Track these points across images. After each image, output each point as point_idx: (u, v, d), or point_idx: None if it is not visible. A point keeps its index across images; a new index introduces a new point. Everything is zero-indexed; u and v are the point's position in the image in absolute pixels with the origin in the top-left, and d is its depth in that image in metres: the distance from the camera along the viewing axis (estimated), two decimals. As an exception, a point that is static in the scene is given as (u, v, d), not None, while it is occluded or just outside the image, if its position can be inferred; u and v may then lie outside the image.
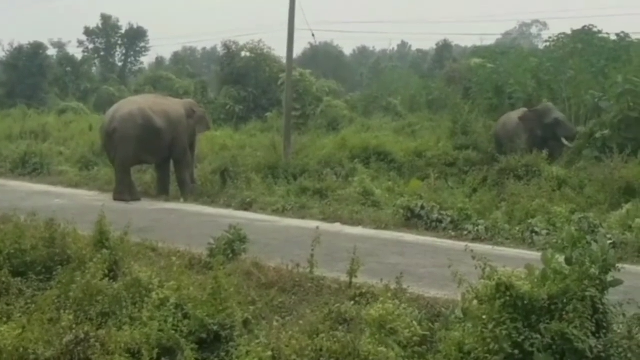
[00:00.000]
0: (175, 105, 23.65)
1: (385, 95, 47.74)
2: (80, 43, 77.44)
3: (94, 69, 74.29)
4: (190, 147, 23.37)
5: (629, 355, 7.32)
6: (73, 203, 20.03)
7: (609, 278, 7.65)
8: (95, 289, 9.49)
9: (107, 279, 9.84)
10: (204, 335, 8.62)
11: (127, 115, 22.06)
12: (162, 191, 23.03)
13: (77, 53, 73.42)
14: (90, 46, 77.79)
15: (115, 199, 21.38)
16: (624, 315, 7.73)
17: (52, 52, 70.43)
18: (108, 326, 8.76)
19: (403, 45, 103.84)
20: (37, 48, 61.74)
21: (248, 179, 23.08)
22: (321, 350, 7.84)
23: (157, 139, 22.23)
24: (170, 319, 8.60)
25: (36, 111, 47.67)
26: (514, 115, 27.68)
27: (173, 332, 8.47)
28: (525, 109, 27.92)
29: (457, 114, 30.40)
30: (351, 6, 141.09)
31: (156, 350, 8.19)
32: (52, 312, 9.16)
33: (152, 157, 22.69)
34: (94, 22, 79.56)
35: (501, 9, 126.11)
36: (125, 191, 21.84)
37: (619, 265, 7.77)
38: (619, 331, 7.62)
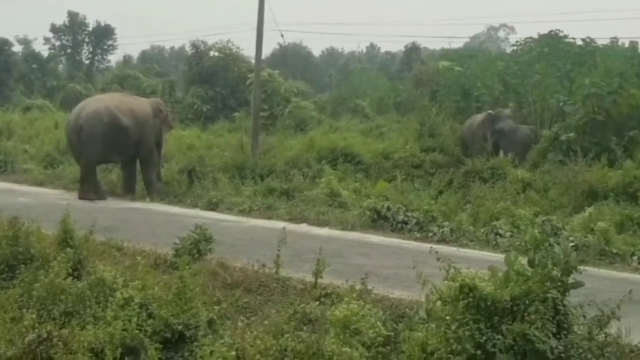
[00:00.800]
0: (143, 105, 23.57)
1: (353, 97, 47.71)
2: (47, 40, 76.91)
3: (60, 67, 73.67)
4: (157, 147, 23.29)
5: (589, 356, 7.42)
6: (38, 202, 19.91)
7: (571, 280, 7.75)
8: (59, 288, 9.46)
9: (71, 278, 9.82)
10: (168, 335, 8.61)
11: (94, 114, 21.97)
12: (128, 190, 22.96)
13: (44, 50, 72.84)
14: (57, 43, 77.20)
15: (80, 198, 21.27)
16: (584, 316, 7.82)
17: (17, 49, 69.70)
18: (71, 326, 8.73)
19: (372, 47, 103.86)
20: (2, 44, 61.08)
21: (215, 179, 23.08)
22: (286, 350, 7.87)
23: (123, 137, 22.16)
24: (135, 319, 8.59)
25: (1, 109, 47.25)
26: (478, 119, 27.94)
27: (137, 331, 8.46)
28: (489, 112, 28.16)
29: (425, 116, 30.46)
30: (321, 7, 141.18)
31: (120, 350, 8.17)
32: (15, 311, 9.15)
33: (118, 156, 22.61)
34: (61, 19, 79.09)
35: (470, 13, 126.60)
36: (91, 190, 21.75)
37: (581, 268, 7.88)
38: (579, 332, 7.73)
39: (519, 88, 33.58)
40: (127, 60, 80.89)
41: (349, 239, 16.58)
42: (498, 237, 16.41)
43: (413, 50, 70.56)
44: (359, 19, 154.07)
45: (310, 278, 11.24)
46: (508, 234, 16.38)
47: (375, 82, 54.70)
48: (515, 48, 41.88)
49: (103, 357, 8.08)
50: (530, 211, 17.88)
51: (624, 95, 25.63)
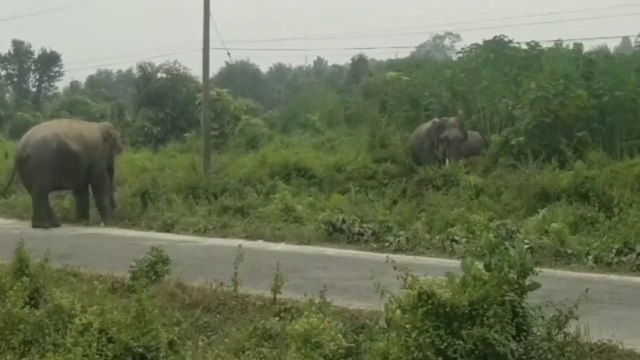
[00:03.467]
0: (91, 129, 23.46)
1: (303, 111, 47.89)
2: (-8, 70, 76.36)
3: (7, 96, 73.26)
4: (109, 171, 23.20)
5: (549, 356, 7.46)
6: (-10, 231, 19.69)
7: (527, 282, 7.80)
8: (16, 317, 9.37)
9: (28, 306, 9.72)
10: (129, 359, 8.55)
11: (41, 141, 21.84)
12: (81, 216, 22.82)
13: (-11, 80, 72.38)
14: (3, 72, 76.88)
15: (34, 226, 21.11)
16: (542, 317, 7.87)
17: (-37, 79, 69.37)
18: (31, 354, 8.66)
19: (319, 61, 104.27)
20: (-53, 76, 60.67)
21: (169, 200, 23.01)
22: (248, 367, 7.85)
23: (73, 163, 22.03)
24: (95, 344, 8.51)
25: (-52, 140, 46.78)
26: (424, 127, 28.16)
27: (98, 356, 8.38)
28: (434, 120, 28.36)
29: (375, 127, 30.61)
30: (266, 24, 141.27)
31: (81, 376, 8.11)
32: (-27, 342, 9.03)
33: (69, 182, 22.50)
34: (6, 48, 78.56)
35: (414, 22, 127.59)
36: (44, 217, 21.60)
37: (537, 269, 7.93)
38: (538, 333, 7.77)
39: (466, 94, 33.93)
40: (74, 85, 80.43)
41: (306, 253, 16.59)
42: (454, 243, 16.49)
43: (360, 62, 70.94)
44: (304, 34, 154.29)
45: (268, 294, 11.20)
46: (463, 240, 16.46)
47: (324, 96, 54.88)
48: (461, 55, 42.43)
49: (64, 384, 8.00)
50: (484, 216, 18.01)
51: (570, 96, 26.01)
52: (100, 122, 28.24)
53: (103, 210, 22.72)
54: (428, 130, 27.56)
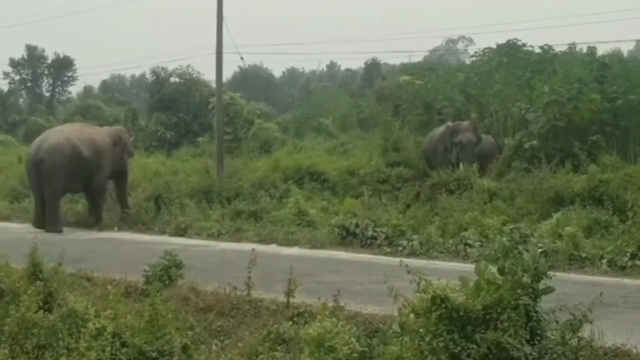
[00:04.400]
0: (102, 134, 23.55)
1: (316, 115, 47.82)
2: (6, 75, 76.57)
3: (21, 101, 73.37)
4: (122, 175, 23.31)
5: (563, 360, 7.45)
6: (4, 236, 19.71)
7: (541, 286, 7.77)
8: (30, 321, 9.39)
9: (42, 311, 9.74)
10: (142, 363, 8.57)
11: (55, 146, 21.89)
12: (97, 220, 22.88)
13: (3, 85, 72.64)
14: (17, 77, 76.96)
15: (48, 230, 21.15)
16: (556, 321, 7.84)
17: (-24, 84, 69.67)
18: (45, 358, 8.70)
19: (332, 65, 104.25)
20: (-39, 81, 60.93)
21: (182, 205, 23.02)
22: (261, 371, 7.85)
23: (85, 168, 22.14)
24: (108, 348, 8.52)
25: (-38, 145, 46.94)
26: (438, 131, 28.10)
27: (111, 361, 8.41)
28: (448, 124, 28.31)
29: (388, 131, 30.55)
30: (279, 28, 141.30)
31: (95, 380, 8.12)
32: (-14, 347, 9.05)
33: (80, 185, 22.56)
34: (19, 53, 78.80)
35: (427, 26, 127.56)
36: (58, 222, 21.68)
37: (551, 273, 7.89)
38: (552, 337, 7.74)
39: (480, 98, 33.81)
40: (87, 90, 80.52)
41: (319, 257, 16.60)
42: (467, 247, 16.49)
43: (373, 66, 70.85)
44: (317, 38, 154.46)
45: (282, 298, 11.19)
46: (477, 244, 16.46)
47: (337, 100, 54.80)
48: (474, 59, 42.26)
49: (78, 388, 8.02)
50: (497, 220, 17.99)
51: (583, 100, 25.92)
52: (114, 126, 28.21)
53: (98, 214, 22.82)
54: (442, 134, 27.48)
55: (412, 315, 7.87)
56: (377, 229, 18.09)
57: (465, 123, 27.99)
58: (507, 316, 7.35)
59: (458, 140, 26.76)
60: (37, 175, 21.93)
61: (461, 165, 25.14)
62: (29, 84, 77.50)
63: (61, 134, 22.77)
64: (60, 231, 21.18)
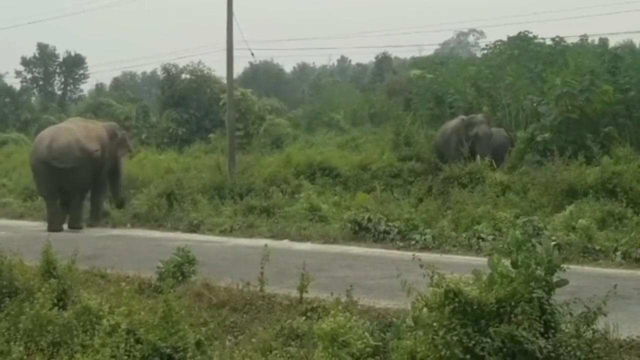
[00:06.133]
0: (102, 129, 23.45)
1: (327, 110, 47.81)
2: (18, 73, 76.94)
3: (33, 99, 73.48)
4: (115, 170, 23.20)
5: (578, 353, 7.41)
6: (18, 234, 19.78)
7: (555, 279, 7.74)
8: (45, 319, 9.43)
9: (56, 308, 9.79)
10: (157, 359, 8.58)
11: (67, 147, 21.68)
12: (103, 215, 22.87)
13: (15, 83, 72.84)
14: (29, 76, 77.29)
15: (70, 226, 21.30)
16: (571, 314, 7.81)
17: (-11, 83, 69.86)
18: (60, 356, 8.72)
19: (343, 59, 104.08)
20: (-27, 80, 61.10)
21: (194, 201, 23.05)
22: (275, 366, 7.85)
23: (93, 165, 22.09)
24: (122, 345, 8.55)
25: (-25, 144, 47.07)
26: (450, 125, 28.06)
27: (126, 357, 8.43)
28: (461, 117, 28.29)
29: (400, 125, 30.55)
30: (289, 23, 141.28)
31: (109, 377, 8.14)
32: (1, 344, 9.10)
33: (92, 183, 22.49)
34: (31, 51, 79.09)
35: (438, 19, 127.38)
36: (80, 218, 21.71)
37: (564, 266, 7.87)
38: (567, 330, 7.71)
39: (491, 91, 33.77)
40: (99, 88, 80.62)
41: (332, 252, 16.59)
42: (480, 240, 16.44)
43: (384, 61, 70.74)
44: (327, 33, 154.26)
45: (295, 293, 11.20)
46: (490, 237, 16.40)
47: (348, 95, 54.85)
48: (485, 52, 42.14)
49: (93, 385, 8.04)
50: (510, 213, 17.96)
51: (596, 92, 25.85)
52: (125, 123, 28.21)
53: (98, 210, 22.92)
54: (456, 127, 27.44)
55: (425, 310, 7.86)
56: (390, 224, 18.07)
57: (480, 116, 28.01)
58: (521, 309, 7.33)
59: (474, 133, 26.74)
60: (49, 174, 21.66)
61: (478, 158, 25.06)
62: (41, 83, 77.79)
63: (70, 133, 22.43)
64: (81, 227, 21.33)
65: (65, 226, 21.71)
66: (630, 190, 18.98)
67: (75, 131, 22.68)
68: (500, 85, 33.00)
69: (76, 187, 21.91)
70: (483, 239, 16.44)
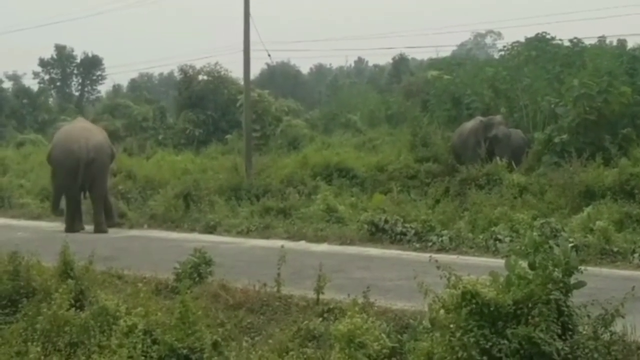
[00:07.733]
0: (103, 130, 23.68)
1: (344, 111, 47.85)
2: (36, 74, 77.39)
3: (50, 100, 73.77)
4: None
5: (595, 355, 7.39)
6: (36, 235, 19.84)
7: (572, 280, 7.73)
8: (62, 319, 9.47)
9: (73, 309, 9.83)
10: (173, 360, 8.61)
11: (101, 146, 21.68)
12: (120, 216, 22.82)
13: (33, 85, 73.23)
14: (46, 77, 77.69)
15: (96, 231, 21.13)
16: (588, 316, 7.79)
17: (7, 84, 70.36)
18: (77, 356, 8.75)
19: (360, 61, 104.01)
20: (-8, 81, 61.41)
21: (211, 202, 23.08)
22: (291, 367, 7.85)
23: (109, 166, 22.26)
24: (139, 345, 8.58)
25: (-6, 145, 47.34)
26: (468, 126, 28.01)
27: (143, 358, 8.47)
28: (479, 118, 28.24)
29: (417, 126, 30.48)
30: (306, 24, 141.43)
31: (126, 377, 8.16)
32: (19, 345, 9.14)
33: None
34: (49, 53, 79.46)
35: (455, 21, 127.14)
36: (104, 222, 21.59)
37: (582, 268, 7.85)
38: (584, 332, 7.69)
39: (509, 93, 33.70)
40: (116, 89, 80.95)
41: (348, 253, 16.58)
42: (497, 242, 16.39)
43: (401, 62, 70.62)
44: (344, 34, 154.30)
45: (311, 294, 11.20)
46: (507, 239, 16.35)
47: (365, 96, 54.81)
48: (502, 53, 42.07)
49: (109, 385, 8.06)
50: (528, 215, 17.91)
51: (614, 93, 25.71)
52: (142, 125, 28.27)
53: (111, 210, 22.42)
54: (474, 128, 27.41)
55: (442, 311, 7.86)
56: (407, 225, 18.04)
57: (498, 117, 28.01)
58: (538, 311, 7.32)
59: (493, 134, 26.74)
60: (85, 174, 21.38)
61: (498, 160, 25.00)
62: (58, 84, 78.17)
63: (98, 132, 22.48)
64: (106, 230, 21.31)
65: (83, 227, 21.71)
66: (648, 192, 18.94)
67: (97, 131, 22.77)
68: (518, 87, 32.93)
69: (102, 187, 21.83)
70: (500, 241, 16.39)
